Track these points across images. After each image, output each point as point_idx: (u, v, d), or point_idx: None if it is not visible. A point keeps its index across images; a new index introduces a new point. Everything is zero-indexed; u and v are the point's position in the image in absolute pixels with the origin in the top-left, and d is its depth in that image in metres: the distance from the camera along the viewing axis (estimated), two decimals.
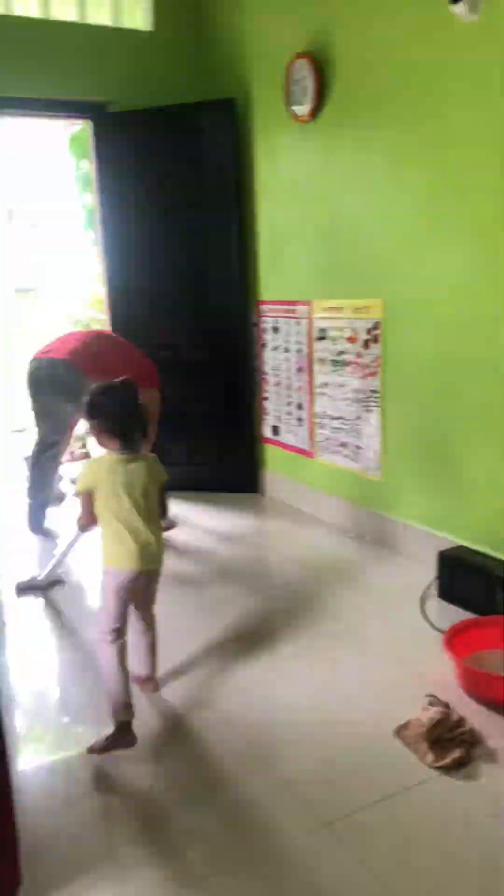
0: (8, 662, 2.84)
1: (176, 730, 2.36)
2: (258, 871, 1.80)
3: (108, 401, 2.28)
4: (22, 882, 1.72)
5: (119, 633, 2.31)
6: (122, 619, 2.32)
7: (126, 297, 4.74)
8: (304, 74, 3.76)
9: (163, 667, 2.61)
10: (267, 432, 4.64)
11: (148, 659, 2.53)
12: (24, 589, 3.38)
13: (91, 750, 2.22)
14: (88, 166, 5.86)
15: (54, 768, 2.23)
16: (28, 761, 2.27)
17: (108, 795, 2.09)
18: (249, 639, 2.92)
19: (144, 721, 2.34)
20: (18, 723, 2.45)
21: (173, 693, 2.55)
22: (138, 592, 2.38)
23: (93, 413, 2.29)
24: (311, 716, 2.40)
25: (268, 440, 4.64)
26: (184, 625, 3.00)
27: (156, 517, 2.35)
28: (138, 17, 4.45)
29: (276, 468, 4.63)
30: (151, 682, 2.56)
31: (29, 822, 1.92)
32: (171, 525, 4.02)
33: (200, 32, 4.65)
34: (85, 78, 4.42)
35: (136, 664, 2.49)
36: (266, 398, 4.60)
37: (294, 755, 2.22)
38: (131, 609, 2.40)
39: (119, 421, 2.27)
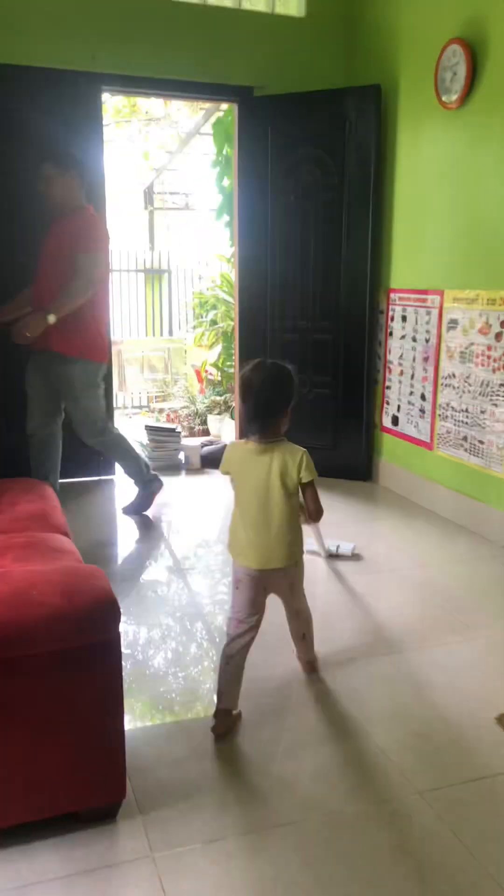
0: None
1: (282, 690, 2.43)
2: (349, 824, 1.84)
3: (247, 385, 2.13)
4: (125, 797, 1.84)
5: (238, 623, 2.19)
6: (244, 610, 2.19)
7: (257, 280, 4.84)
8: (457, 60, 3.72)
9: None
10: (386, 421, 4.63)
11: (299, 645, 2.47)
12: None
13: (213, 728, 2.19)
14: (229, 151, 6.01)
15: (165, 712, 2.36)
16: (140, 701, 2.40)
17: (210, 740, 2.18)
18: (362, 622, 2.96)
19: (255, 676, 2.41)
20: (135, 666, 2.60)
21: (286, 663, 2.57)
22: (273, 587, 2.24)
23: (240, 392, 2.18)
24: (411, 693, 2.42)
25: (386, 429, 4.63)
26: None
27: (286, 517, 2.15)
28: (292, 3, 4.54)
29: (392, 458, 4.61)
30: (307, 663, 2.49)
31: (136, 748, 2.04)
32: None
33: (351, 18, 4.67)
34: (234, 62, 4.54)
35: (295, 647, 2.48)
36: (388, 387, 4.58)
37: (391, 727, 2.24)
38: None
39: (253, 405, 2.13)
